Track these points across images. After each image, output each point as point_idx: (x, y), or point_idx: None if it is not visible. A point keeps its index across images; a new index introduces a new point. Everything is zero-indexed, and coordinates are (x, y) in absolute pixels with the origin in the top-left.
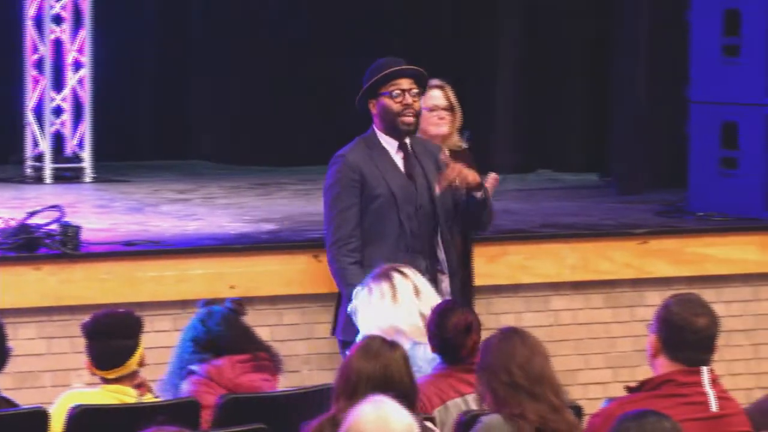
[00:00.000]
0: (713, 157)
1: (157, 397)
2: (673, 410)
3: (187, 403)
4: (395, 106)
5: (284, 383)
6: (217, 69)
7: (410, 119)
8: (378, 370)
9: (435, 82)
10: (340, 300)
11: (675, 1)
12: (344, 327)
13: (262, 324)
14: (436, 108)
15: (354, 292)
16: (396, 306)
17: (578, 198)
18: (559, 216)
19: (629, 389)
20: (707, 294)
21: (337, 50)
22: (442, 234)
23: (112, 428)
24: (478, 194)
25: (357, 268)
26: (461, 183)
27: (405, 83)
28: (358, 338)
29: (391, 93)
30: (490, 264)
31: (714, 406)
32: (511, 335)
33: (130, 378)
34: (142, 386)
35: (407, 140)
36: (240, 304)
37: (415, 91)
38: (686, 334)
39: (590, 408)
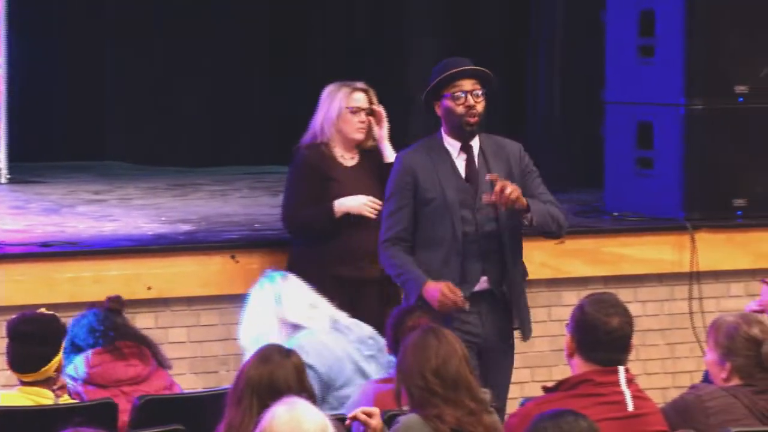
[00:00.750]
0: (629, 157)
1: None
2: (590, 410)
3: (103, 405)
4: (458, 108)
5: (202, 384)
6: (132, 69)
7: (473, 120)
8: (264, 376)
9: (359, 84)
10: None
11: (590, 2)
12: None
13: (179, 325)
14: (359, 110)
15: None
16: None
17: None
18: None
19: (546, 389)
20: (623, 294)
21: (252, 52)
22: (502, 237)
23: (27, 430)
24: (526, 216)
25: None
26: (504, 205)
27: (467, 84)
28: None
29: (453, 95)
30: None
31: (630, 406)
32: (427, 335)
33: (47, 382)
34: (62, 388)
35: (476, 141)
36: (117, 302)
37: (478, 91)
38: (600, 335)
39: (508, 408)
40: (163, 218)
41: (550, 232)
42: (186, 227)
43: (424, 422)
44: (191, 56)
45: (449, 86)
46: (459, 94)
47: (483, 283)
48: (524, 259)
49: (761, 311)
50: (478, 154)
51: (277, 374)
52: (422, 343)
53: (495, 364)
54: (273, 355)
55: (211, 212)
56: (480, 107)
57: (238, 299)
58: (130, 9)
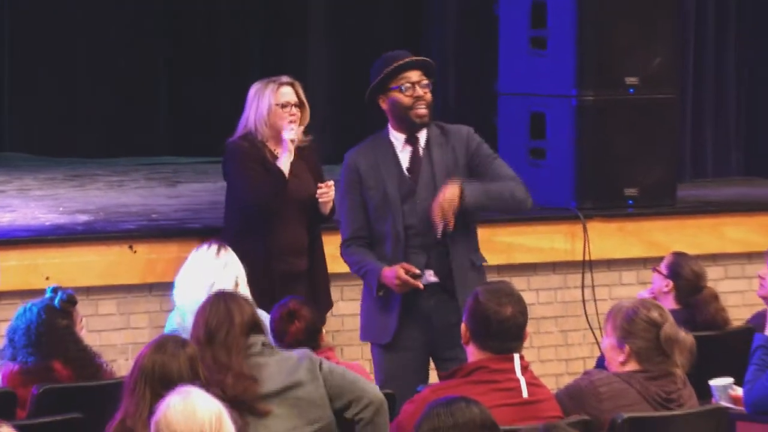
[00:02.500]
0: (522, 147)
1: None
2: (485, 396)
3: (2, 394)
4: (406, 100)
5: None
6: (31, 60)
7: (423, 111)
8: (157, 366)
9: (285, 79)
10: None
11: None
12: (363, 328)
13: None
14: (288, 104)
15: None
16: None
17: None
18: None
19: (443, 376)
20: (517, 282)
21: (152, 43)
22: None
23: None
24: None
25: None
26: (450, 219)
27: (414, 75)
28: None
29: (401, 87)
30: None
31: (525, 392)
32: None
33: None
34: None
35: (423, 133)
36: (68, 301)
37: (425, 82)
38: (493, 324)
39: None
40: (61, 209)
41: (506, 208)
42: (84, 218)
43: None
44: (90, 49)
45: (396, 79)
46: (407, 85)
47: (429, 276)
48: None
49: (653, 299)
50: (424, 146)
51: (170, 365)
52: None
53: (449, 357)
54: (167, 345)
55: (108, 203)
56: (428, 97)
57: (135, 289)
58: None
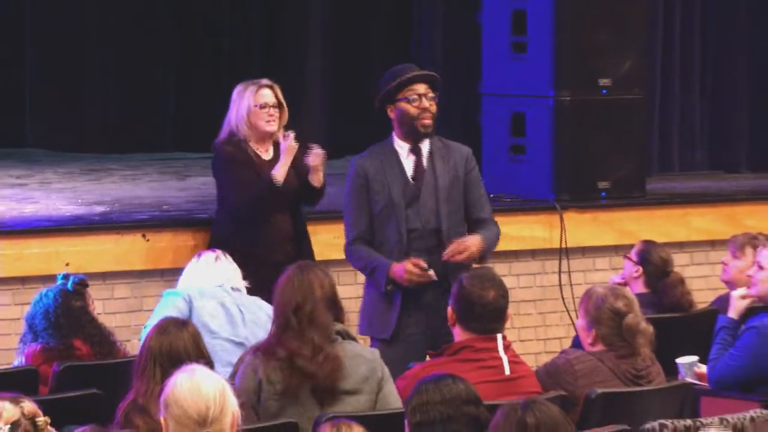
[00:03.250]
0: (504, 144)
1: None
2: (471, 373)
3: (25, 372)
4: (413, 110)
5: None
6: (50, 63)
7: (428, 122)
8: (164, 347)
9: (265, 81)
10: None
11: (467, 4)
12: (361, 322)
13: (95, 298)
14: (267, 106)
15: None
16: (217, 266)
17: None
18: None
19: (432, 354)
20: (499, 268)
21: (158, 47)
22: (446, 233)
23: None
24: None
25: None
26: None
27: (421, 88)
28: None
29: (408, 98)
30: (332, 242)
31: (507, 370)
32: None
33: None
34: None
35: (425, 143)
36: (80, 284)
37: (431, 95)
38: (476, 307)
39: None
40: (79, 200)
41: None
42: (100, 209)
43: (261, 361)
44: (105, 52)
45: (404, 91)
46: (414, 97)
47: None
48: None
49: (624, 284)
50: (427, 156)
51: (176, 344)
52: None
53: None
54: (170, 327)
55: (123, 195)
56: (434, 109)
57: (148, 274)
58: (50, 1)
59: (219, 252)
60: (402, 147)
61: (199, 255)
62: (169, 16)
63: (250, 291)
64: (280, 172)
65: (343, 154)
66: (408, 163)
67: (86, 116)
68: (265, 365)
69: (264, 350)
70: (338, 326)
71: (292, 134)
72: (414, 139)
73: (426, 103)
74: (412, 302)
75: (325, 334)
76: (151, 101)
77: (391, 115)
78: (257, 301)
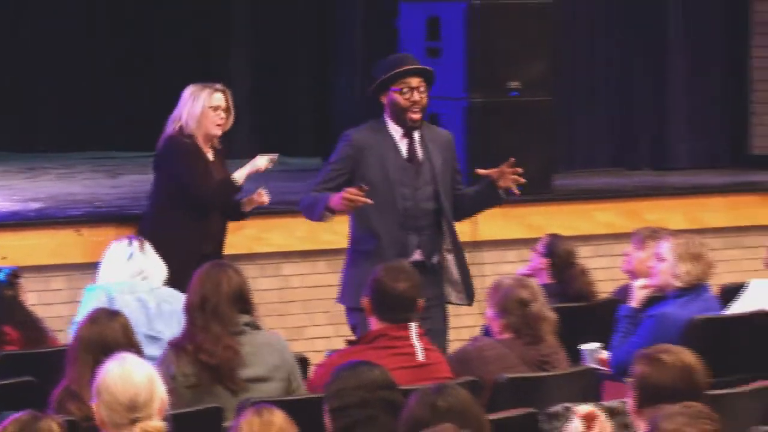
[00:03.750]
0: None
1: None
2: (386, 360)
3: None
4: (403, 102)
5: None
6: None
7: (417, 116)
8: (94, 336)
9: (219, 86)
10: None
11: (385, 11)
12: (346, 292)
13: (31, 290)
14: (219, 108)
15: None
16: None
17: (305, 179)
18: (288, 194)
19: (349, 342)
20: None
21: (92, 50)
22: (445, 214)
23: None
24: (502, 194)
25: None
26: (505, 183)
27: (414, 81)
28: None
29: (401, 90)
30: (230, 236)
31: (420, 356)
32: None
33: None
34: None
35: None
36: (14, 275)
37: (423, 88)
38: (388, 298)
39: (315, 359)
40: (15, 197)
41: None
42: (36, 205)
43: (174, 356)
44: (42, 51)
45: (398, 82)
46: (405, 89)
47: (417, 255)
48: (331, 232)
49: (531, 275)
50: (419, 140)
51: (106, 334)
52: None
53: (431, 324)
54: (101, 317)
55: (58, 192)
56: (424, 101)
57: (82, 267)
58: None
59: (137, 243)
60: (395, 130)
61: (119, 241)
62: (104, 17)
63: (176, 280)
64: (242, 175)
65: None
66: (402, 145)
67: (23, 116)
68: (177, 360)
69: (176, 345)
70: (246, 318)
71: (275, 155)
72: (403, 127)
73: (417, 96)
74: None
75: (228, 326)
76: (85, 102)
77: (383, 101)
78: (175, 294)
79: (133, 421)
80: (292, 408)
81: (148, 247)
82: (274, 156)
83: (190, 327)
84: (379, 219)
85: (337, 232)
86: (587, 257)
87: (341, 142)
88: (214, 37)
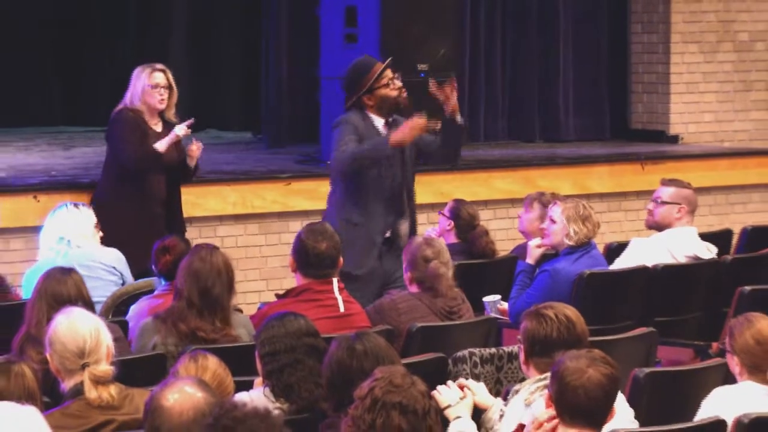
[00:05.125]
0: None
1: None
2: (311, 311)
3: None
4: (393, 92)
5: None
6: None
7: (406, 95)
8: (50, 289)
9: (159, 66)
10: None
11: (307, 1)
12: None
13: None
14: (158, 86)
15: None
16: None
17: (237, 151)
18: (222, 164)
19: (278, 296)
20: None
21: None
22: (407, 183)
23: None
24: (458, 118)
25: None
26: (448, 109)
27: (389, 72)
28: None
29: (387, 84)
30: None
31: (342, 308)
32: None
33: None
34: None
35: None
36: None
37: (397, 74)
38: (311, 257)
39: (249, 311)
40: None
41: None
42: None
43: (164, 329)
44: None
45: (379, 79)
46: (389, 81)
47: (387, 234)
48: (260, 198)
49: (439, 236)
50: (392, 123)
51: (60, 288)
52: (193, 263)
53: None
54: (56, 273)
55: (16, 163)
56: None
57: (38, 230)
58: None
59: (71, 205)
60: (378, 120)
61: (57, 207)
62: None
63: (129, 241)
64: (162, 144)
65: (204, 127)
66: (383, 130)
67: None
68: (165, 334)
69: (166, 320)
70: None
71: (190, 121)
72: (389, 114)
73: (398, 83)
74: (372, 248)
75: (227, 317)
76: (41, 81)
77: (370, 102)
78: (94, 255)
79: (83, 366)
80: (226, 353)
81: (76, 210)
82: (190, 121)
83: (186, 308)
84: (373, 196)
85: (265, 198)
86: (488, 219)
87: (342, 124)
88: (155, 20)
